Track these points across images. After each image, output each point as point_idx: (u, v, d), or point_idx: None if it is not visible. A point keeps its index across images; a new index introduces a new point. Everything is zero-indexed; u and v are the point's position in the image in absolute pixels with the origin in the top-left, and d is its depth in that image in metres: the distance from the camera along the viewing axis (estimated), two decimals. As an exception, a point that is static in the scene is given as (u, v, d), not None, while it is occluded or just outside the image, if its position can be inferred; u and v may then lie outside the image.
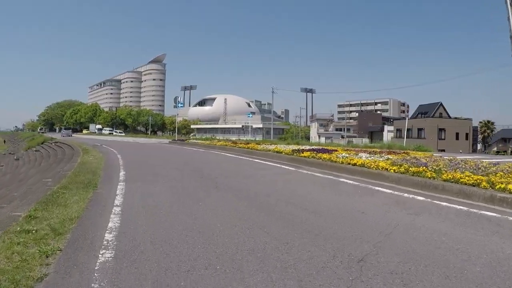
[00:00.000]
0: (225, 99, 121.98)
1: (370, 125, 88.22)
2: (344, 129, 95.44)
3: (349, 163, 10.90)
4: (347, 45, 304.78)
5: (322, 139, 78.92)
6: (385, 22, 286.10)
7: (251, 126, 79.14)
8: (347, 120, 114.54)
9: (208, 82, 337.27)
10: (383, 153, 13.83)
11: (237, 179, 10.16)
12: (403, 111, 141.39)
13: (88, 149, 22.69)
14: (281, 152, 15.82)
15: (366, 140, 65.73)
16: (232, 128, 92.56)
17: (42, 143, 42.95)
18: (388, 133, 66.48)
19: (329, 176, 10.33)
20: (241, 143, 21.03)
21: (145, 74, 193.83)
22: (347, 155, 12.50)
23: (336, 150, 14.79)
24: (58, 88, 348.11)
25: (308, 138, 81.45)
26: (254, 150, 18.06)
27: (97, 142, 35.03)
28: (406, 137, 59.73)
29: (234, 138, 49.93)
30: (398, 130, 63.20)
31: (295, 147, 17.63)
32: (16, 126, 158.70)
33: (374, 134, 73.99)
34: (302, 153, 14.60)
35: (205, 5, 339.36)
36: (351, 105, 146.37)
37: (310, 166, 12.55)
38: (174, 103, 35.12)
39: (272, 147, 17.60)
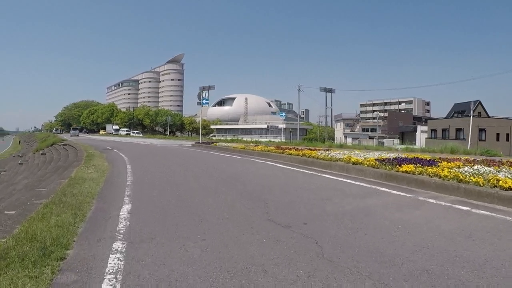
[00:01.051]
0: (246, 98, 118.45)
1: (400, 125, 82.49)
2: (370, 129, 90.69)
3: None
4: (365, 44, 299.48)
5: (349, 140, 75.68)
6: (401, 22, 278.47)
7: (277, 126, 74.17)
8: (374, 120, 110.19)
9: (226, 83, 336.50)
10: (493, 163, 9.27)
11: (363, 235, 4.45)
12: (428, 111, 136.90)
13: (94, 154, 18.52)
14: (360, 163, 10.72)
15: (396, 141, 62.66)
16: (254, 128, 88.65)
17: (51, 145, 39.46)
18: (421, 134, 62.01)
19: None
20: (290, 149, 15.86)
21: (163, 74, 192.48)
22: (471, 169, 7.90)
23: (439, 162, 9.73)
24: (77, 89, 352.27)
25: (332, 139, 77.27)
26: (313, 159, 12.83)
27: (109, 145, 30.73)
28: (441, 138, 55.70)
29: (256, 139, 48.17)
30: (433, 131, 58.97)
31: (370, 153, 12.57)
32: (35, 127, 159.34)
33: (406, 135, 69.75)
34: (400, 166, 9.49)
35: (223, 5, 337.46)
36: (373, 105, 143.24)
37: (437, 190, 7.46)
38: (198, 99, 28.73)
39: (340, 155, 12.42)
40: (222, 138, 76.31)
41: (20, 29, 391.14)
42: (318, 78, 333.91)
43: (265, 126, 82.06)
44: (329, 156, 12.54)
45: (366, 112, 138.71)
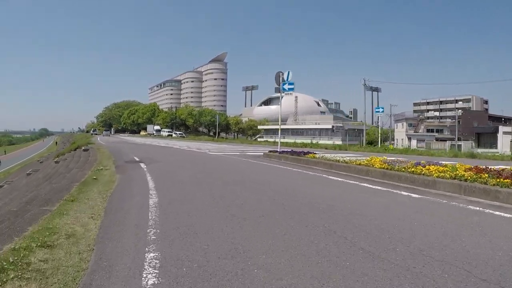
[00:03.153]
0: (296, 97, 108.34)
1: (475, 125, 69.63)
2: (435, 129, 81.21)
3: None
4: (411, 44, 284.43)
5: (413, 142, 69.06)
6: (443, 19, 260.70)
7: (342, 127, 64.24)
8: (441, 120, 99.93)
9: (269, 83, 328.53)
10: None
11: None
12: (486, 109, 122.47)
13: (108, 169, 11.96)
14: None
15: (472, 145, 55.35)
16: (306, 129, 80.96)
17: (75, 149, 31.07)
18: (503, 136, 54.24)
19: None
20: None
21: (205, 74, 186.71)
22: None
23: None
24: (121, 90, 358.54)
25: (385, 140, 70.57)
26: None
27: (141, 152, 21.44)
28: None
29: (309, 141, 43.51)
30: (522, 132, 51.29)
31: None
32: (79, 128, 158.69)
33: (483, 137, 61.87)
34: None
35: (264, 5, 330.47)
36: (428, 103, 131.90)
37: None
38: (276, 83, 16.47)
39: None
40: (274, 140, 68.50)
41: (68, 32, 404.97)
42: (361, 77, 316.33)
43: (318, 126, 77.09)
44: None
45: (421, 111, 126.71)
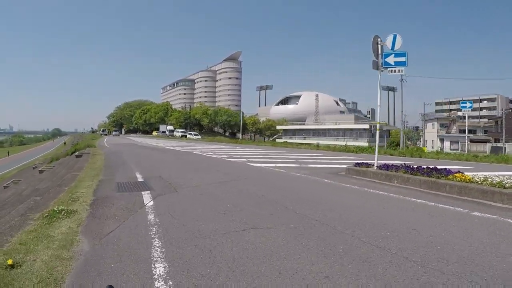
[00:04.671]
0: (317, 95, 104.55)
1: None
2: (468, 130, 74.10)
3: None
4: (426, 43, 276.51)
5: (446, 144, 65.21)
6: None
7: (381, 127, 57.83)
8: (477, 119, 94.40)
9: (283, 82, 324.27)
10: None
11: None
12: (511, 109, 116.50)
13: (73, 214, 5.44)
14: None
15: None
16: (328, 129, 75.83)
17: (72, 153, 25.47)
18: None
19: None
20: None
21: (219, 73, 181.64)
22: None
23: None
24: (133, 90, 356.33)
25: (405, 140, 62.47)
26: None
27: (153, 159, 15.47)
28: None
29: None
30: None
31: None
32: (91, 128, 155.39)
33: None
34: None
35: (279, 5, 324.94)
36: (450, 103, 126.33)
37: None
38: (373, 55, 9.74)
39: None
40: (294, 141, 65.02)
41: (82, 32, 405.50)
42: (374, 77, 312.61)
43: (342, 126, 72.16)
44: None
45: (442, 111, 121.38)
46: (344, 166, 12.35)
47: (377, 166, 10.45)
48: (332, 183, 9.25)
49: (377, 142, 11.78)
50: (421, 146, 65.42)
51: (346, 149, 25.95)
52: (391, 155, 22.22)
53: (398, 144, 59.90)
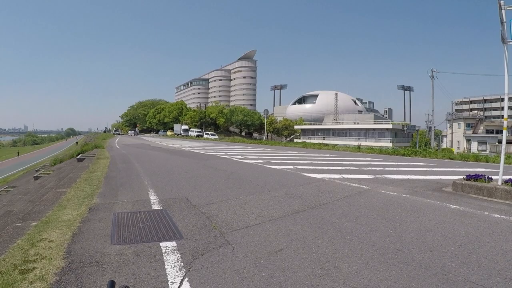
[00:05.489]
0: (336, 94, 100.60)
1: None
2: (495, 130, 71.30)
3: None
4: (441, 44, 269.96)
5: (474, 145, 61.82)
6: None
7: (414, 127, 55.59)
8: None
9: (298, 82, 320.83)
10: None
11: None
12: None
13: None
14: None
15: None
16: (348, 129, 72.72)
17: (78, 155, 21.66)
18: None
19: None
20: None
21: (234, 72, 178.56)
22: None
23: None
24: (147, 90, 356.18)
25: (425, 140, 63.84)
26: None
27: (174, 168, 11.78)
28: None
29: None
30: None
31: None
32: (105, 127, 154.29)
33: None
34: None
35: (294, 4, 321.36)
36: (471, 102, 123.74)
37: None
38: (500, 23, 7.21)
39: None
40: (313, 141, 61.49)
41: (97, 33, 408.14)
42: (394, 77, 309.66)
43: (363, 126, 68.94)
44: None
45: (462, 111, 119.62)
46: (432, 177, 8.67)
47: (505, 181, 6.73)
48: (461, 210, 5.51)
49: (503, 145, 7.86)
50: (442, 147, 61.09)
51: (395, 152, 21.89)
52: (450, 158, 18.28)
53: (425, 145, 56.29)
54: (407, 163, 14.57)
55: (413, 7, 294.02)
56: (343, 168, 12.21)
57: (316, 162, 14.34)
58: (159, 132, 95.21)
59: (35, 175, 16.83)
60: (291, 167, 12.16)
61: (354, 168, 12.26)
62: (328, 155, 19.13)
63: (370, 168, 12.21)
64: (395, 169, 12.21)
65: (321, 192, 7.43)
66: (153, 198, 6.65)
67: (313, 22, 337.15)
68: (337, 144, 44.25)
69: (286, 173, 10.68)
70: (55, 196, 7.15)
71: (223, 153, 18.99)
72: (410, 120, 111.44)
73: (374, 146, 43.13)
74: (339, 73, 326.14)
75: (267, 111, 58.05)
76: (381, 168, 12.26)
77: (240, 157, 16.52)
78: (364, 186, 8.14)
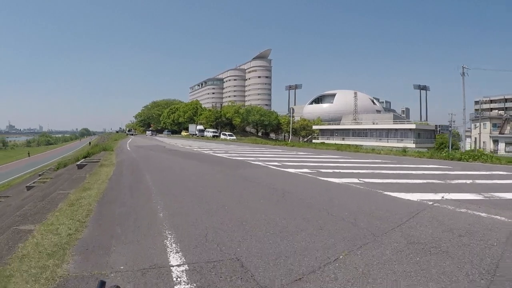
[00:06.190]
0: (355, 93, 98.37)
1: None
2: None
3: None
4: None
5: (501, 146, 59.75)
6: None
7: (447, 127, 53.08)
8: None
9: (313, 82, 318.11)
10: None
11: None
12: None
13: None
14: None
15: None
16: (369, 129, 69.66)
17: (85, 157, 18.67)
18: None
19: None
20: None
21: (249, 72, 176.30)
22: None
23: None
24: (160, 91, 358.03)
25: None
26: None
27: (192, 186, 8.60)
28: None
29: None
30: None
31: None
32: (120, 127, 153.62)
33: None
34: None
35: (309, 5, 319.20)
36: (491, 101, 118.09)
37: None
38: None
39: None
40: (334, 141, 58.96)
41: (112, 33, 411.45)
42: (409, 76, 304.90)
43: (381, 126, 66.76)
44: None
45: (483, 110, 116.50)
46: None
47: None
48: None
49: None
50: (464, 148, 57.34)
51: (449, 156, 18.35)
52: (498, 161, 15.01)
53: (450, 146, 53.02)
54: (487, 172, 11.25)
55: (430, 8, 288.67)
56: (426, 181, 8.90)
57: (385, 173, 10.93)
58: (163, 132, 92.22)
59: (28, 185, 14.02)
60: (356, 180, 8.89)
61: (439, 181, 8.96)
62: (379, 160, 15.69)
63: (460, 181, 8.92)
64: (488, 181, 9.00)
65: (460, 236, 4.24)
66: (175, 260, 3.51)
67: (322, 23, 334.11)
68: (361, 146, 41.13)
69: (357, 191, 7.44)
70: (7, 245, 4.10)
71: (252, 158, 15.67)
72: (427, 120, 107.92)
73: (397, 147, 40.44)
74: (352, 72, 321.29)
75: (293, 109, 54.61)
76: (472, 181, 9.01)
77: (276, 163, 13.21)
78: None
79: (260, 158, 15.85)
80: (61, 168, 20.64)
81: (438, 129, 59.63)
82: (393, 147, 43.36)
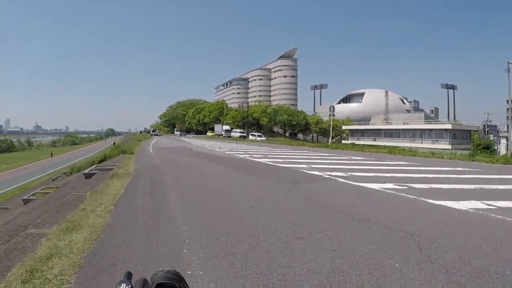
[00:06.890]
0: (386, 92, 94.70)
1: None
2: None
3: None
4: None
5: None
6: None
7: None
8: None
9: (338, 82, 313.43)
10: None
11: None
12: None
13: None
14: None
15: None
16: (402, 130, 66.52)
17: (100, 162, 15.95)
18: None
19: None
20: None
21: (274, 71, 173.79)
22: None
23: None
24: (185, 91, 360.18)
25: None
26: None
27: (251, 225, 5.33)
28: None
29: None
30: None
31: None
32: (145, 128, 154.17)
33: None
34: None
35: (331, 7, 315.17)
36: None
37: None
38: None
39: None
40: (365, 142, 59.32)
41: (136, 35, 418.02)
42: (437, 75, 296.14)
43: (414, 126, 63.89)
44: None
45: None
46: None
47: None
48: None
49: None
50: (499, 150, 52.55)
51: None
52: None
53: (487, 148, 48.72)
54: None
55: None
56: None
57: (501, 188, 7.50)
58: (175, 133, 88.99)
59: (25, 197, 11.34)
60: (483, 205, 5.53)
61: None
62: (460, 168, 12.07)
63: None
64: None
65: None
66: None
67: (346, 25, 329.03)
68: (407, 148, 37.53)
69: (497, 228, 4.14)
70: None
71: (304, 166, 12.22)
72: (454, 119, 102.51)
73: (433, 148, 38.14)
74: (383, 71, 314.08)
75: (333, 107, 50.00)
76: None
77: (341, 174, 9.87)
78: None
79: (313, 166, 12.39)
80: (75, 172, 18.06)
81: (486, 129, 54.83)
82: (427, 148, 39.98)
